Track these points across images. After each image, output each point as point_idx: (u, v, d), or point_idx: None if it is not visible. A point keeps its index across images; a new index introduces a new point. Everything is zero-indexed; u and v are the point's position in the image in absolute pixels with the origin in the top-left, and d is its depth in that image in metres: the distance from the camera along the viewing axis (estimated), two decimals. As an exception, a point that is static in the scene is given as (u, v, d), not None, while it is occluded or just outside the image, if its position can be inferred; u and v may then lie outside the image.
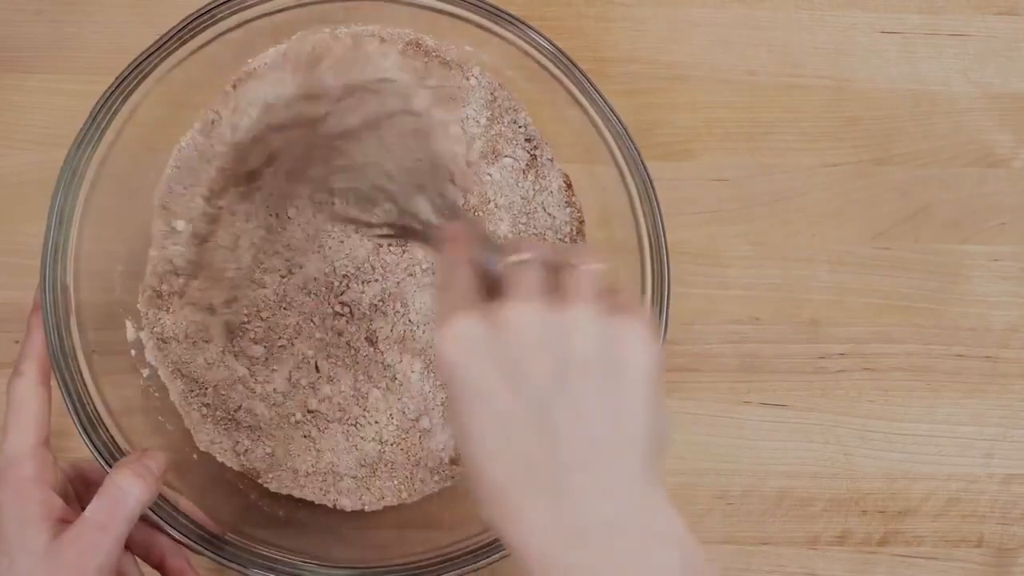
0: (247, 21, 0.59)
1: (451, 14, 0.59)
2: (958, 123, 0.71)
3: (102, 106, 0.56)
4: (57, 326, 0.54)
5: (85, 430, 0.54)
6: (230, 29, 0.58)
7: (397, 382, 0.63)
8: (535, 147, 0.65)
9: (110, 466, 0.53)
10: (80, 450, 0.54)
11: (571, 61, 0.58)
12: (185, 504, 0.55)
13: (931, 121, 0.72)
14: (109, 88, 0.56)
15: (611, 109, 0.58)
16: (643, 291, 0.58)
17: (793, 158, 0.71)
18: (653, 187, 0.57)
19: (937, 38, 0.72)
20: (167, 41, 0.57)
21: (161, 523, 0.53)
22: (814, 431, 0.68)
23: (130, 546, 0.54)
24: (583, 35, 0.71)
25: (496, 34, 0.59)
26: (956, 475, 0.68)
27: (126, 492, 0.49)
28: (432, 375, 0.63)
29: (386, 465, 0.63)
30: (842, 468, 0.68)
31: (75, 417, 0.54)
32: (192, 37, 0.57)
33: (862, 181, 0.71)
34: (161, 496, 0.54)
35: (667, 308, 0.57)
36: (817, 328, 0.69)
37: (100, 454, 0.54)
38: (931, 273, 0.70)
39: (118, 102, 0.56)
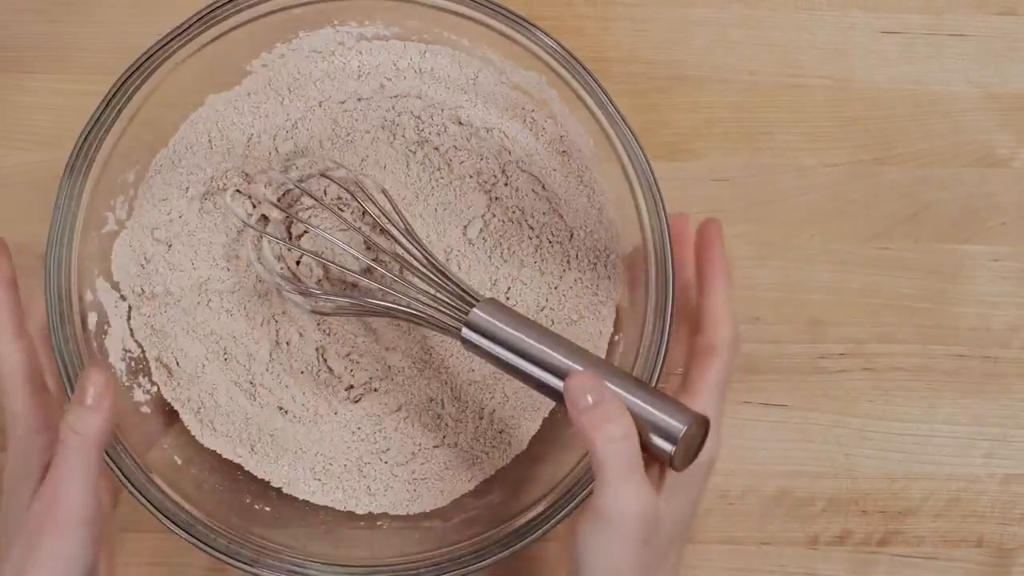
0: (249, 20, 0.58)
1: (455, 12, 0.58)
2: (958, 123, 0.71)
3: (105, 106, 0.56)
4: (57, 326, 0.54)
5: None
6: (232, 29, 0.58)
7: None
8: None
9: (111, 466, 0.54)
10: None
11: (577, 61, 0.58)
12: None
13: (931, 121, 0.71)
14: (112, 88, 0.56)
15: (616, 109, 0.57)
16: (647, 292, 0.57)
17: (793, 158, 0.71)
18: (659, 188, 0.57)
19: (937, 38, 0.72)
20: (171, 40, 0.56)
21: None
22: (814, 431, 0.68)
23: None
24: (583, 35, 0.71)
25: (500, 32, 0.59)
26: (956, 475, 0.68)
27: (83, 434, 0.50)
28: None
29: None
30: (842, 468, 0.68)
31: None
32: (195, 37, 0.57)
33: (862, 181, 0.71)
34: (155, 486, 0.55)
35: (671, 309, 0.57)
36: (817, 328, 0.69)
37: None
38: (931, 273, 0.70)
39: (121, 102, 0.56)
